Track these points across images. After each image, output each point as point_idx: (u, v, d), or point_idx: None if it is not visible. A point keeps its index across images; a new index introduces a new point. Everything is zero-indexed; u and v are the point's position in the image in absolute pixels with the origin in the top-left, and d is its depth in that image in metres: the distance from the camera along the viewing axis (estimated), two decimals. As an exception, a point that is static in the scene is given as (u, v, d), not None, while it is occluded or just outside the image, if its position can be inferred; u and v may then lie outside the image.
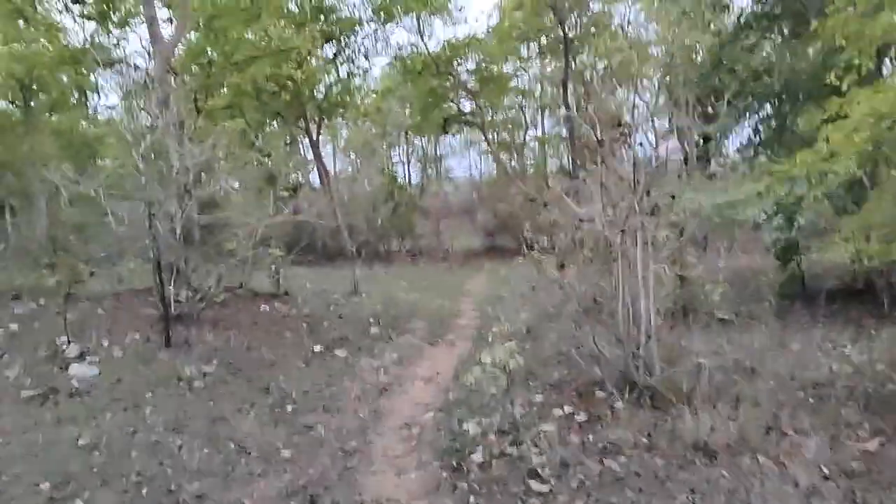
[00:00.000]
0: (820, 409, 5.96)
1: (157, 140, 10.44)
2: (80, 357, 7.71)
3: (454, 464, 5.14)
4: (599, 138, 6.47)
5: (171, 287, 9.04)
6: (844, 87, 8.62)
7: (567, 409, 6.20)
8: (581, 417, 6.00)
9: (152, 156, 10.46)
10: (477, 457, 5.14)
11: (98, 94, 25.71)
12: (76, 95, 28.74)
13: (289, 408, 6.60)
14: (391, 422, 6.35)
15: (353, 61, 25.79)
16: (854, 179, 9.24)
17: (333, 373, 8.01)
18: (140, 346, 8.33)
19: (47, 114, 28.05)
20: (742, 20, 13.67)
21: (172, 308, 9.60)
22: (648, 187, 6.16)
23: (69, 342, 7.99)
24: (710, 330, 7.58)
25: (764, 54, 14.90)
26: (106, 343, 8.24)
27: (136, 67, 17.96)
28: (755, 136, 14.00)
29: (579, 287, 7.03)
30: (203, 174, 12.31)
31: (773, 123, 13.57)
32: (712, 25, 16.44)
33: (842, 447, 5.15)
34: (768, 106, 13.83)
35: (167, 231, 9.93)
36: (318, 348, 9.11)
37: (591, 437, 5.54)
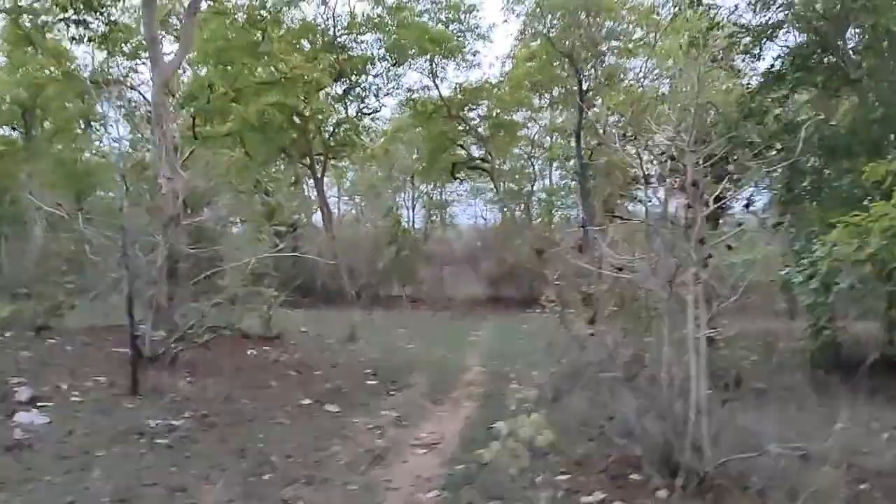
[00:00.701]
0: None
1: (144, 164, 9.63)
2: (31, 402, 6.69)
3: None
4: (645, 174, 5.54)
5: (145, 325, 8.06)
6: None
7: (598, 495, 5.17)
8: (617, 509, 4.97)
9: (137, 181, 9.64)
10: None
11: (105, 126, 25.05)
12: (81, 125, 28.18)
13: (266, 476, 5.54)
14: (387, 501, 5.30)
15: (363, 100, 25.22)
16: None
17: (322, 432, 6.96)
18: (103, 391, 7.33)
19: (50, 141, 27.46)
20: (776, 69, 12.92)
21: (148, 349, 8.62)
22: (702, 234, 5.22)
23: (21, 384, 6.97)
24: (745, 403, 6.56)
25: (794, 107, 14.19)
26: (65, 386, 7.25)
27: (134, 88, 17.23)
28: (786, 192, 13.14)
29: (613, 347, 6.05)
30: (195, 204, 11.48)
31: (807, 179, 12.72)
32: (740, 75, 15.73)
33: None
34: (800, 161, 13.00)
35: (148, 263, 9.01)
36: (306, 401, 8.08)
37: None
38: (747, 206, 14.30)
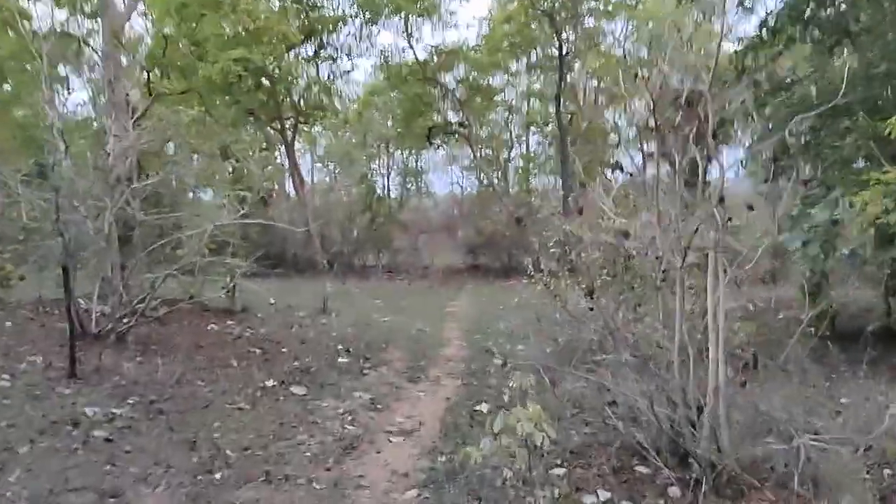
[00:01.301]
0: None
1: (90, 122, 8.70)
2: (-49, 388, 5.86)
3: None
4: (657, 123, 4.79)
5: (85, 300, 7.22)
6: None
7: (602, 494, 4.48)
8: (626, 510, 4.30)
9: (82, 140, 8.74)
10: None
11: (67, 88, 23.66)
12: (44, 88, 26.73)
13: (218, 475, 4.78)
14: (358, 502, 4.58)
15: (334, 60, 24.08)
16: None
17: (286, 419, 6.20)
18: (37, 374, 6.48)
19: (9, 105, 26.06)
20: (772, 24, 12.16)
21: (94, 324, 7.80)
22: (722, 193, 4.48)
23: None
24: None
25: (790, 63, 13.51)
26: (-5, 368, 6.39)
27: (87, 43, 16.05)
28: (785, 157, 12.46)
29: (615, 321, 5.34)
30: (151, 166, 10.59)
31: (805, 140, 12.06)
32: (732, 32, 14.97)
33: None
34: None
35: (96, 230, 8.15)
36: (270, 383, 7.30)
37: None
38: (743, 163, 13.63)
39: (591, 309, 5.52)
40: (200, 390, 6.74)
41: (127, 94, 11.95)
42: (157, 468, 4.76)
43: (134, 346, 8.07)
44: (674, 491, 4.44)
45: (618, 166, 6.00)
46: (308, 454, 5.35)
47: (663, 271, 4.82)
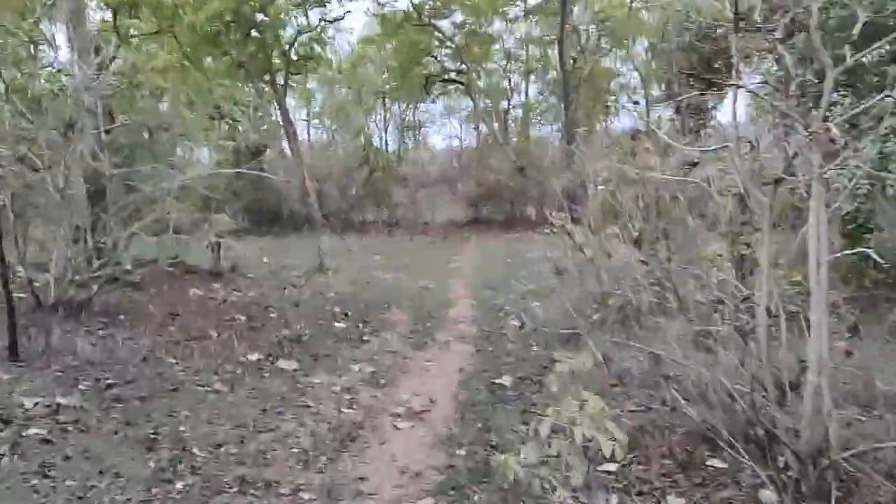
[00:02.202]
0: None
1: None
2: None
3: None
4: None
5: (30, 269, 6.15)
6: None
7: (674, 502, 3.47)
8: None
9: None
10: None
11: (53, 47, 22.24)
12: (31, 49, 25.37)
13: (179, 484, 3.76)
14: (358, 518, 3.58)
15: (324, 5, 22.54)
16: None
17: (271, 403, 5.17)
18: (-28, 357, 5.44)
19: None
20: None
21: (52, 293, 6.76)
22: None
23: None
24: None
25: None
26: (-77, 351, 5.35)
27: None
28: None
29: (673, 276, 4.28)
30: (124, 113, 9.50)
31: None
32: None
33: None
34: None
35: (54, 187, 7.05)
36: (254, 357, 6.26)
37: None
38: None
39: (644, 262, 4.44)
40: (170, 369, 5.69)
41: (94, 35, 10.75)
42: (102, 479, 3.72)
43: (99, 317, 7.04)
44: (767, 496, 3.43)
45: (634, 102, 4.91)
46: (296, 450, 4.33)
47: (744, 213, 3.73)
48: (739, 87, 3.92)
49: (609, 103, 31.22)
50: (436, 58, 27.94)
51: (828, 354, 3.47)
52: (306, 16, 23.92)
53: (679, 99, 18.98)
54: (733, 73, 3.95)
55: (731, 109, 4.14)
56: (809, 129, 3.20)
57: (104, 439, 4.28)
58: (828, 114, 3.35)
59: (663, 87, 27.58)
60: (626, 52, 29.76)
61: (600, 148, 10.13)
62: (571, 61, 26.50)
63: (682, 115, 22.11)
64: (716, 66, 17.69)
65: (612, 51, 29.32)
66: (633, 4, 26.45)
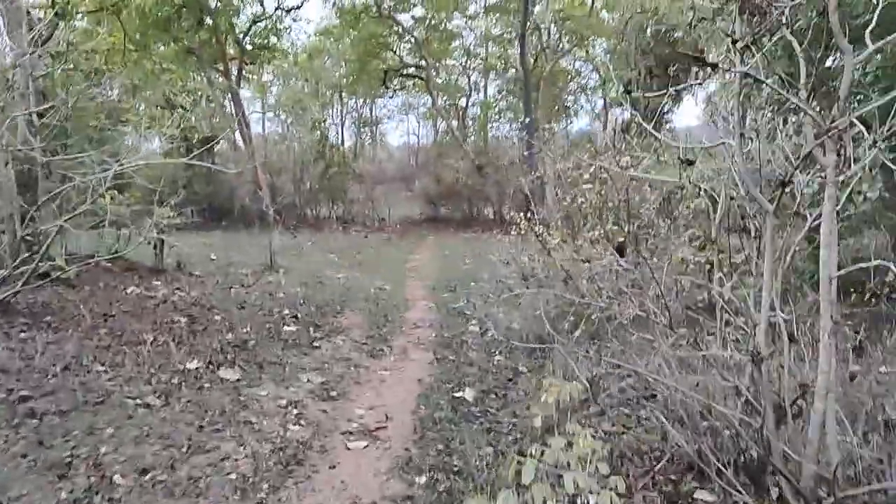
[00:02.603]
0: None
1: None
2: None
3: None
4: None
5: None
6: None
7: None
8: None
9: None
10: None
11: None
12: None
13: (94, 522, 3.24)
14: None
15: (280, -8, 21.85)
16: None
17: (209, 418, 4.64)
18: None
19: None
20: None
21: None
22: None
23: None
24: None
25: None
26: None
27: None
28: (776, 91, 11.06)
29: (660, 283, 3.87)
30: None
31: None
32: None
33: None
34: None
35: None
36: (193, 365, 5.70)
37: None
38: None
39: (630, 269, 4.03)
40: (96, 379, 5.10)
41: (28, 13, 9.98)
42: (1, 515, 3.19)
43: (21, 318, 6.39)
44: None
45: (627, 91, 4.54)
46: (233, 476, 3.82)
47: (743, 217, 3.35)
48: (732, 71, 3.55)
49: (568, 104, 31.20)
50: (395, 52, 27.47)
51: (835, 378, 3.12)
52: (262, 4, 23.23)
53: (647, 95, 18.89)
54: (723, 63, 3.58)
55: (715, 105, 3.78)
56: (826, 127, 2.82)
57: (9, 464, 3.70)
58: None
59: (622, 88, 27.55)
60: (585, 52, 29.59)
61: (561, 149, 9.81)
62: (532, 60, 26.26)
63: (640, 115, 22.09)
64: (670, 70, 17.69)
65: (572, 50, 29.11)
66: (595, 4, 26.45)
